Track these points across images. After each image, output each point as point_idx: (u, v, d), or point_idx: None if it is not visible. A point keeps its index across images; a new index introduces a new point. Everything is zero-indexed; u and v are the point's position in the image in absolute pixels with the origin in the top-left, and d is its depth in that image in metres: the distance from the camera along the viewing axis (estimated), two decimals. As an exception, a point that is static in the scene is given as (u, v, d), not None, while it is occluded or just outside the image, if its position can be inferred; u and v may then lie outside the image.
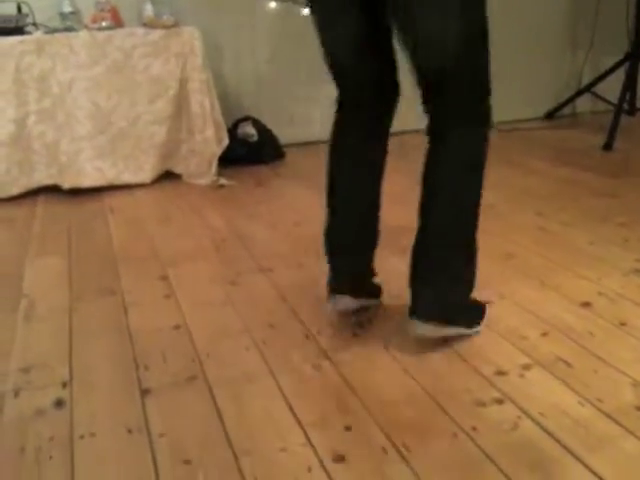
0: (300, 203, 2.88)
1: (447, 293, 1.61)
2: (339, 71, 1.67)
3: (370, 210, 1.74)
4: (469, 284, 1.66)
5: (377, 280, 1.86)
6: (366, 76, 1.64)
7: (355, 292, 1.76)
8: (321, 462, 1.28)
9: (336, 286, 1.75)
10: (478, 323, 1.74)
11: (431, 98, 1.56)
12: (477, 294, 1.66)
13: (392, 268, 1.96)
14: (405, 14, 1.44)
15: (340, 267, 1.76)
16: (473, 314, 1.75)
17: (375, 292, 1.88)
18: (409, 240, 1.63)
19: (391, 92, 1.68)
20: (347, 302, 1.75)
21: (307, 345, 1.71)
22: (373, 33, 1.58)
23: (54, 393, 1.54)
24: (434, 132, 1.58)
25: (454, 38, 1.44)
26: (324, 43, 1.64)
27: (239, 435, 1.37)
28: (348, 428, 1.38)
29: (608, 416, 1.39)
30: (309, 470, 1.26)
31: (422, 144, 1.60)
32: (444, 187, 1.56)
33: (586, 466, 1.25)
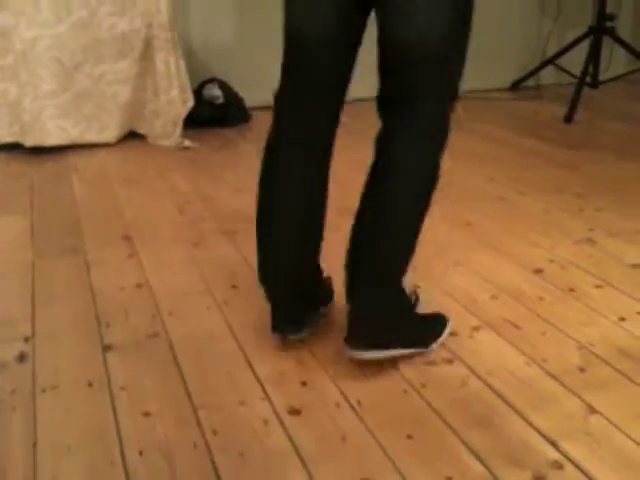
0: (265, 167, 2.89)
1: (391, 313, 1.45)
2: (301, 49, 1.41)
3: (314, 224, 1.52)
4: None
5: (325, 281, 1.69)
6: (331, 61, 1.42)
7: (302, 325, 1.56)
8: (277, 415, 1.34)
9: (278, 324, 1.54)
10: (431, 342, 1.55)
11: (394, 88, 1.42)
12: (435, 261, 1.69)
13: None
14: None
15: (282, 303, 1.55)
16: (425, 332, 1.56)
17: (325, 299, 1.68)
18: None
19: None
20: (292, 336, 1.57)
21: (268, 307, 1.73)
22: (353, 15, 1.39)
23: (16, 347, 1.56)
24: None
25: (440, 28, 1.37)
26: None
27: (198, 390, 1.41)
28: (304, 384, 1.43)
29: (552, 376, 1.46)
30: (266, 423, 1.31)
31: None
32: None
33: (529, 422, 1.32)
